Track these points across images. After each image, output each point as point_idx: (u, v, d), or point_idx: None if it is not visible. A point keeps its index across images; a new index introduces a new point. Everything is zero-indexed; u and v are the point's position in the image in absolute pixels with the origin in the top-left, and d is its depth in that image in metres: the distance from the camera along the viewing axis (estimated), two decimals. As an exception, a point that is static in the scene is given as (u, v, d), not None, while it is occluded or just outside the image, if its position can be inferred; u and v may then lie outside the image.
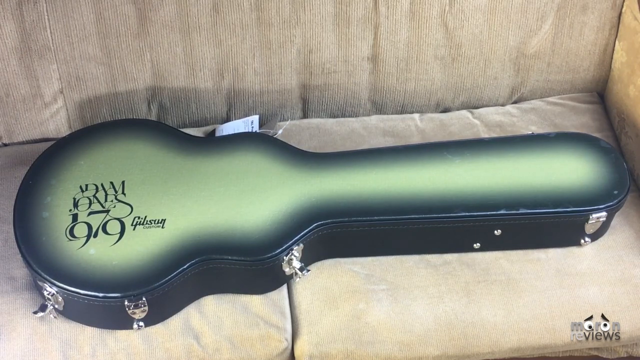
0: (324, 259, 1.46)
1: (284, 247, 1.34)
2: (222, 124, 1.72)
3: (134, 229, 1.34)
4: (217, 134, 1.67)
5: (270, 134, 1.64)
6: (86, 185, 1.41)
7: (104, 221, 1.35)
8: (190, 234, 1.34)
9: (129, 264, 1.29)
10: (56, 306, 1.31)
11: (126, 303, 1.27)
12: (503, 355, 1.41)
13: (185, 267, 1.30)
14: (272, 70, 1.68)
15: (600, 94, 1.82)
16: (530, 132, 1.65)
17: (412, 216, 1.40)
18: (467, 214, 1.41)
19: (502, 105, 1.81)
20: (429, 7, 1.63)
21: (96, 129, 1.54)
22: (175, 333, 1.34)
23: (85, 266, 1.29)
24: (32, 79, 1.59)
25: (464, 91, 1.77)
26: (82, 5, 1.54)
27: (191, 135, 1.55)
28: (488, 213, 1.41)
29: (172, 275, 1.29)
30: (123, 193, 1.40)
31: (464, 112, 1.78)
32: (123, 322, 1.31)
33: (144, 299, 1.27)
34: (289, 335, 1.37)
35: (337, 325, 1.37)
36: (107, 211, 1.37)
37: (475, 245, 1.46)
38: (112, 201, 1.39)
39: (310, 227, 1.37)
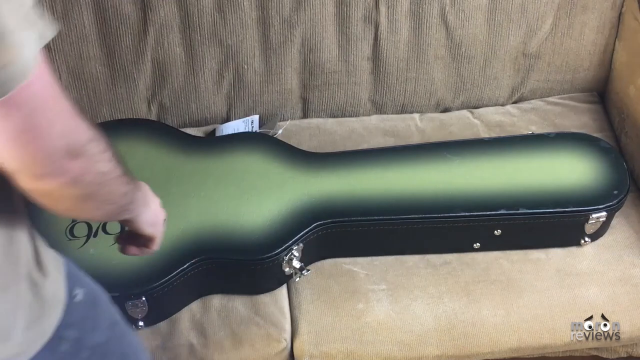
0: (324, 258, 1.46)
1: (283, 247, 1.34)
2: (222, 123, 1.72)
3: (134, 229, 1.34)
4: (217, 133, 1.67)
5: (270, 134, 1.64)
6: (86, 185, 1.41)
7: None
8: (190, 234, 1.34)
9: (129, 263, 1.29)
10: (56, 306, 1.31)
11: (126, 303, 1.27)
12: (503, 355, 1.41)
13: (185, 266, 1.30)
14: (272, 69, 1.68)
15: (600, 93, 1.82)
16: (530, 132, 1.65)
17: (412, 216, 1.40)
18: (467, 213, 1.40)
19: (502, 105, 1.80)
20: (429, 6, 1.63)
21: (96, 129, 1.54)
22: (174, 332, 1.34)
23: (85, 266, 1.27)
24: (32, 79, 1.59)
25: (464, 91, 1.77)
26: (82, 5, 1.54)
27: (191, 135, 1.55)
28: (488, 213, 1.40)
29: (172, 275, 1.29)
30: (123, 192, 1.40)
31: (464, 112, 1.78)
32: (123, 321, 1.31)
33: (143, 298, 1.27)
34: (288, 335, 1.37)
35: (336, 325, 1.37)
36: (107, 211, 1.37)
37: (475, 245, 1.46)
38: (112, 201, 1.39)
39: (310, 227, 1.37)
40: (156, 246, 1.07)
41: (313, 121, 1.75)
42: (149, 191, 1.06)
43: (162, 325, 1.35)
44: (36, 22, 0.71)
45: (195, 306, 1.38)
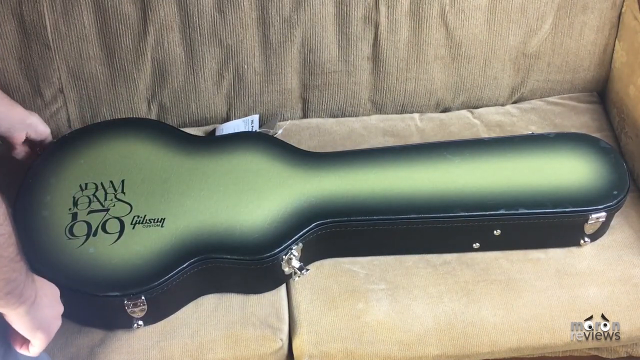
0: (324, 258, 1.46)
1: (283, 247, 1.34)
2: (222, 123, 1.72)
3: (133, 228, 1.34)
4: (218, 133, 1.67)
5: (270, 134, 1.64)
6: (86, 184, 1.41)
7: (103, 220, 1.35)
8: (189, 233, 1.34)
9: (129, 263, 1.29)
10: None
11: (125, 302, 1.27)
12: (503, 355, 1.41)
13: (184, 266, 1.30)
14: (272, 69, 1.68)
15: (600, 93, 1.82)
16: (530, 132, 1.65)
17: (412, 216, 1.40)
18: (466, 214, 1.40)
19: (502, 105, 1.81)
20: (429, 7, 1.63)
21: (96, 128, 1.54)
22: (170, 332, 1.34)
23: (85, 265, 1.29)
24: (32, 79, 1.59)
25: (464, 91, 1.77)
26: (82, 5, 1.54)
27: (191, 135, 1.55)
28: (487, 213, 1.40)
29: (172, 275, 1.29)
30: (123, 192, 1.40)
31: (464, 112, 1.78)
32: (122, 321, 1.31)
33: (143, 298, 1.27)
34: (284, 336, 1.37)
35: (336, 325, 1.37)
36: (107, 210, 1.37)
37: (474, 245, 1.46)
38: (111, 200, 1.39)
39: (310, 227, 1.37)
40: (33, 353, 1.04)
41: (313, 121, 1.75)
42: (48, 295, 1.03)
43: (157, 324, 1.35)
44: None
45: (190, 305, 1.38)
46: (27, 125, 1.40)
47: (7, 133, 1.38)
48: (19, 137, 1.40)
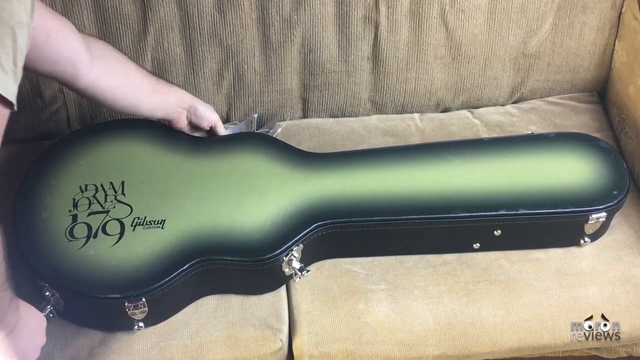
0: (324, 259, 1.46)
1: (283, 248, 1.34)
2: (222, 123, 1.72)
3: (133, 230, 1.34)
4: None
5: (269, 134, 1.64)
6: (86, 186, 1.41)
7: (103, 222, 1.35)
8: (190, 235, 1.34)
9: (129, 264, 1.29)
10: (56, 307, 1.31)
11: (126, 304, 1.27)
12: (503, 355, 1.41)
13: (185, 267, 1.30)
14: (272, 70, 1.68)
15: (600, 93, 1.82)
16: (530, 132, 1.65)
17: (412, 217, 1.40)
18: (466, 214, 1.40)
19: (502, 105, 1.81)
20: (429, 7, 1.63)
21: (96, 129, 1.54)
22: (169, 332, 1.34)
23: (85, 267, 1.29)
24: (32, 79, 1.59)
25: (464, 91, 1.77)
26: (82, 5, 1.54)
27: (191, 135, 1.55)
28: (488, 214, 1.40)
29: (172, 276, 1.29)
30: (123, 193, 1.40)
31: (464, 112, 1.78)
32: (123, 323, 1.31)
33: (143, 299, 1.27)
34: (284, 336, 1.37)
35: (336, 325, 1.37)
36: (107, 212, 1.37)
37: (474, 245, 1.46)
38: (111, 202, 1.39)
39: (310, 228, 1.37)
40: None
41: (313, 121, 1.75)
42: (31, 325, 1.03)
43: (158, 324, 1.35)
44: None
45: (190, 306, 1.38)
46: (182, 110, 1.49)
47: (166, 117, 1.49)
48: (178, 120, 1.50)
